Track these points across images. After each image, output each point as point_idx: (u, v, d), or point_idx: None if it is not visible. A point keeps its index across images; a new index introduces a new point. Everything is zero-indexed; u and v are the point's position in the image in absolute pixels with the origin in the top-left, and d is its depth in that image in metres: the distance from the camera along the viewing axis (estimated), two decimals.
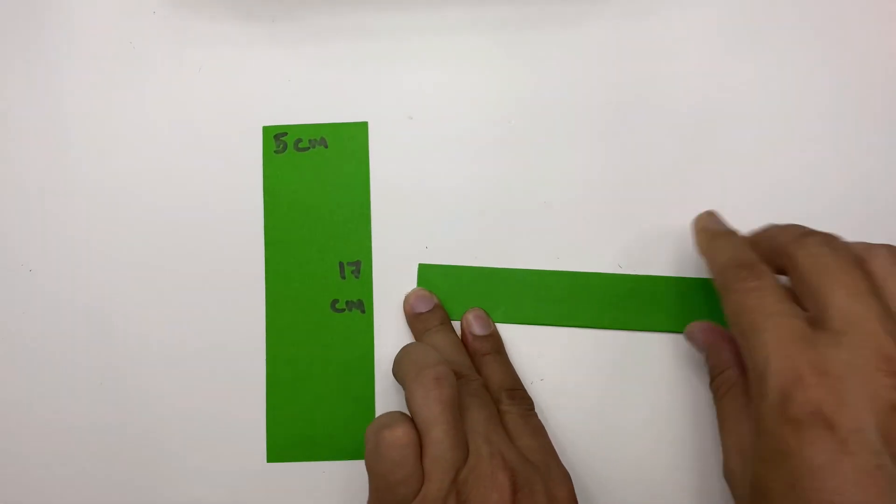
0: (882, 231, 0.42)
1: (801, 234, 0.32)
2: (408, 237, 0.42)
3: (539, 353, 0.41)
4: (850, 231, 0.42)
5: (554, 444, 0.38)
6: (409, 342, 0.41)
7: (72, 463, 0.42)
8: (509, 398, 0.38)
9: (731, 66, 0.43)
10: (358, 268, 0.42)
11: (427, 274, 0.41)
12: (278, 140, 0.43)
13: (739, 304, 0.30)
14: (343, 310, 0.42)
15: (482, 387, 0.37)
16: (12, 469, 0.42)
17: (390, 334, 0.42)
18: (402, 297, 0.42)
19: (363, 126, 0.43)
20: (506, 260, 0.42)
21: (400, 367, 0.37)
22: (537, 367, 0.41)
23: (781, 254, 0.32)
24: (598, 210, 0.42)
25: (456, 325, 0.41)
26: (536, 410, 0.39)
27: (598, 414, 0.41)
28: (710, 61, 0.43)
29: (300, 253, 0.42)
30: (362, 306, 0.42)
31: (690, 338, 0.39)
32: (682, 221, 0.42)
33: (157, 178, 0.43)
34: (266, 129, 0.43)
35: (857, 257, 0.30)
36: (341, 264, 0.42)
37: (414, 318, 0.41)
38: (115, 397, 0.42)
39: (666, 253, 0.42)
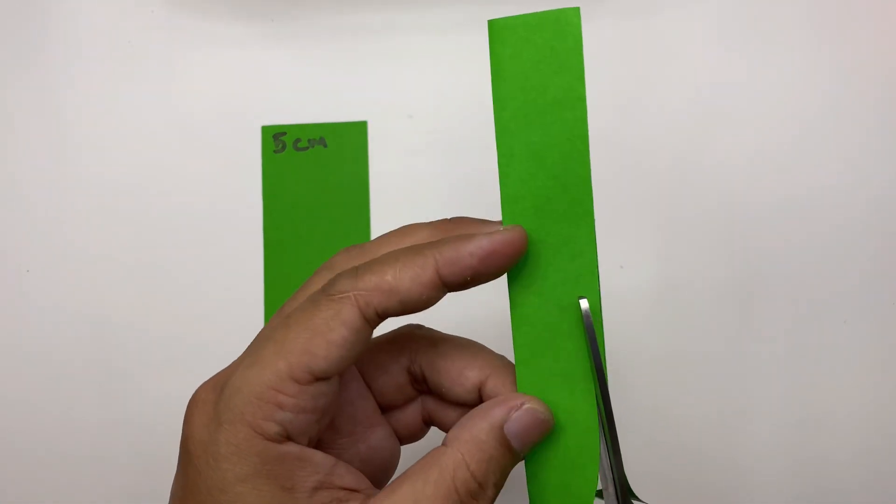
0: (881, 228, 0.41)
1: None
2: None
3: None
4: (849, 228, 0.42)
5: None
6: None
7: (69, 464, 0.42)
8: None
9: (730, 65, 0.43)
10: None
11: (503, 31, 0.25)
12: (277, 140, 0.43)
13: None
14: None
15: None
16: (10, 468, 0.42)
17: None
18: None
19: (362, 126, 0.43)
20: None
21: None
22: None
23: None
24: (598, 209, 0.42)
25: None
26: None
27: None
28: (708, 60, 0.43)
29: (299, 253, 0.42)
30: None
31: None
32: (683, 220, 0.41)
33: (155, 177, 0.43)
34: (265, 129, 0.43)
35: None
36: None
37: None
38: (113, 398, 0.42)
39: (666, 252, 0.42)
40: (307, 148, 0.43)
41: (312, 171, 0.43)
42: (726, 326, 0.41)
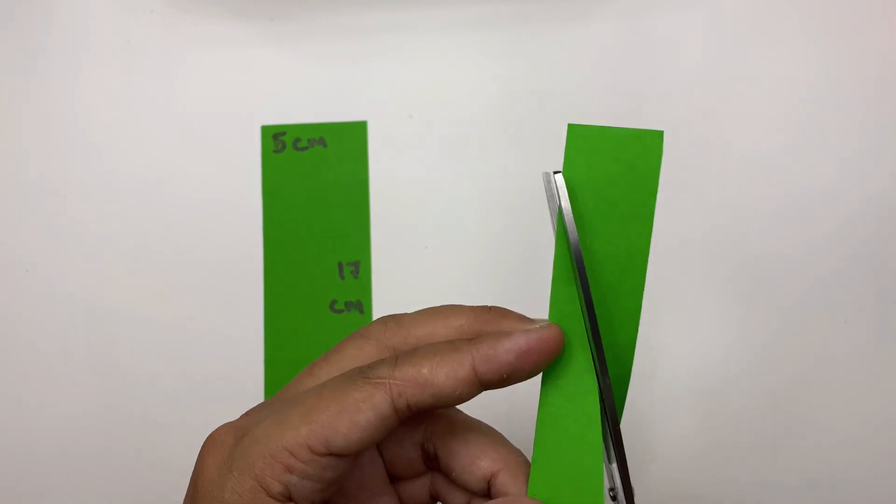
0: (880, 228, 0.41)
1: None
2: (407, 237, 0.42)
3: None
4: (849, 228, 0.41)
5: None
6: None
7: (69, 462, 0.42)
8: None
9: (731, 66, 0.43)
10: (357, 268, 0.42)
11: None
12: (277, 140, 0.43)
13: None
14: (342, 311, 0.42)
15: None
16: (10, 468, 0.42)
17: None
18: (401, 298, 0.41)
19: (362, 125, 0.43)
20: (507, 260, 0.42)
21: None
22: None
23: None
24: None
25: None
26: None
27: None
28: (710, 60, 0.43)
29: (299, 253, 0.42)
30: (361, 307, 0.42)
31: None
32: (683, 220, 0.41)
33: (155, 177, 0.43)
34: (265, 129, 0.43)
35: None
36: (340, 265, 0.42)
37: None
38: (113, 398, 0.42)
39: (666, 252, 0.41)
40: (307, 148, 0.43)
41: (312, 171, 0.43)
42: (726, 325, 0.41)
